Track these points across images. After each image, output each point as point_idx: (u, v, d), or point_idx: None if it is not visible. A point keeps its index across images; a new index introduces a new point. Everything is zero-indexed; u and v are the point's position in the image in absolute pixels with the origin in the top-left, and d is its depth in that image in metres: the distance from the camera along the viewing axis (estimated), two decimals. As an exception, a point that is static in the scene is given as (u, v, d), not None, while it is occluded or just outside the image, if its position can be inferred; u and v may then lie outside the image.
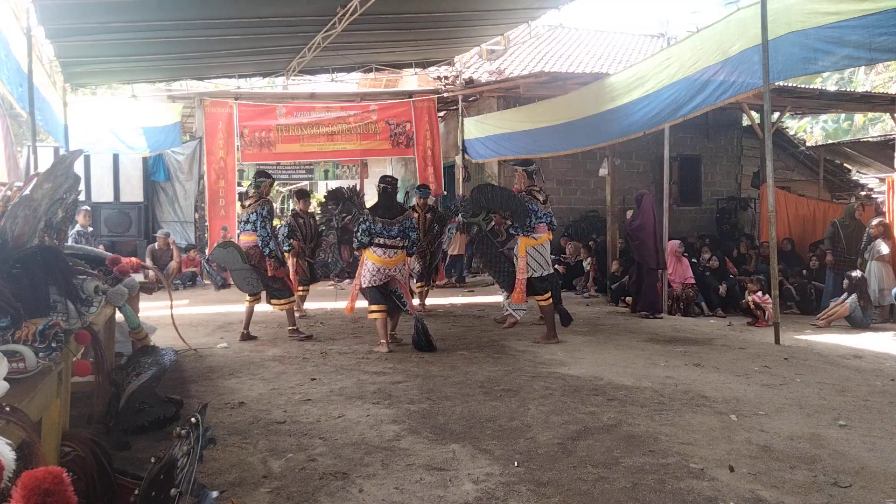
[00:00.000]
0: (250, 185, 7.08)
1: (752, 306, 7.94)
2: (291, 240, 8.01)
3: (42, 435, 2.02)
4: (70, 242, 8.76)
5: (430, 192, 8.89)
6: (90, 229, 10.45)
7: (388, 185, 6.40)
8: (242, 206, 7.07)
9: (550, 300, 6.55)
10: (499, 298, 8.36)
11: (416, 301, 8.54)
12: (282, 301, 6.86)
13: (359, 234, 6.16)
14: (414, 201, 8.47)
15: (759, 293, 7.97)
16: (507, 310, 7.49)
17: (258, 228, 6.58)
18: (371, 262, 6.15)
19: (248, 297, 6.88)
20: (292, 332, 6.90)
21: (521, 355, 5.93)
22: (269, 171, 7.38)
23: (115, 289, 3.42)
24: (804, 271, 9.43)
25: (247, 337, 6.78)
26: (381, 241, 6.12)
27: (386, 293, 6.26)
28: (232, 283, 7.37)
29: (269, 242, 6.54)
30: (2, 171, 8.80)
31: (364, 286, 6.22)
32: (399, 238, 6.16)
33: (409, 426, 3.93)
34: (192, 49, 9.29)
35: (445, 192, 12.83)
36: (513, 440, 3.66)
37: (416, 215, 8.36)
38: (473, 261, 13.18)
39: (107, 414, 3.54)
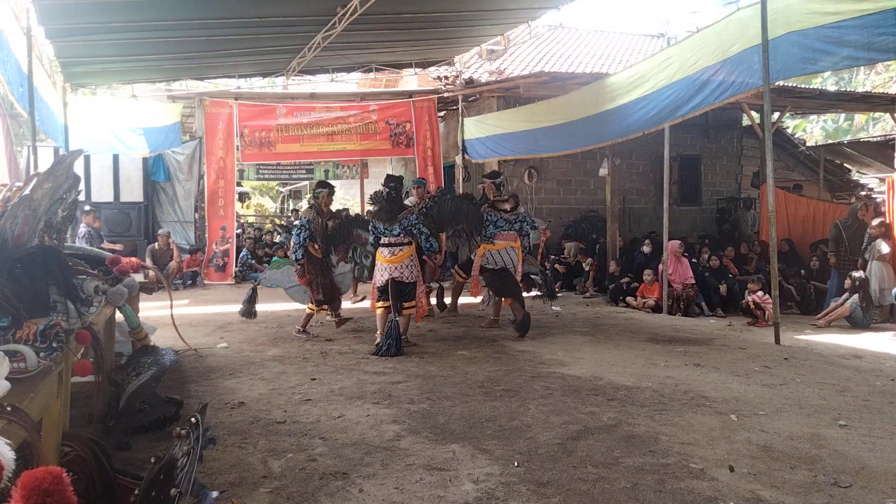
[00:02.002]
0: (310, 196, 7.36)
1: (752, 306, 7.94)
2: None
3: (42, 435, 2.02)
4: (83, 243, 8.83)
5: (426, 184, 8.89)
6: (96, 225, 10.46)
7: (391, 190, 6.43)
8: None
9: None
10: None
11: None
12: (311, 306, 7.03)
13: (371, 238, 6.52)
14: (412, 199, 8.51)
15: (760, 293, 7.97)
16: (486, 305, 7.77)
17: (293, 236, 6.97)
18: (378, 262, 6.45)
19: (310, 306, 7.04)
20: (299, 331, 6.99)
21: (521, 355, 5.93)
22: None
23: (115, 289, 3.43)
24: (802, 271, 9.42)
25: (303, 332, 6.97)
26: (386, 240, 6.33)
27: (395, 292, 6.31)
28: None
29: (297, 250, 6.84)
30: (2, 171, 8.80)
31: (376, 284, 6.45)
32: (402, 235, 6.32)
33: (409, 426, 3.93)
34: (192, 49, 9.29)
35: (443, 185, 12.75)
36: (513, 440, 3.66)
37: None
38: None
39: (107, 414, 3.54)
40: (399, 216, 6.33)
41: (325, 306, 7.01)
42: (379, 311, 6.34)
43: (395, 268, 6.29)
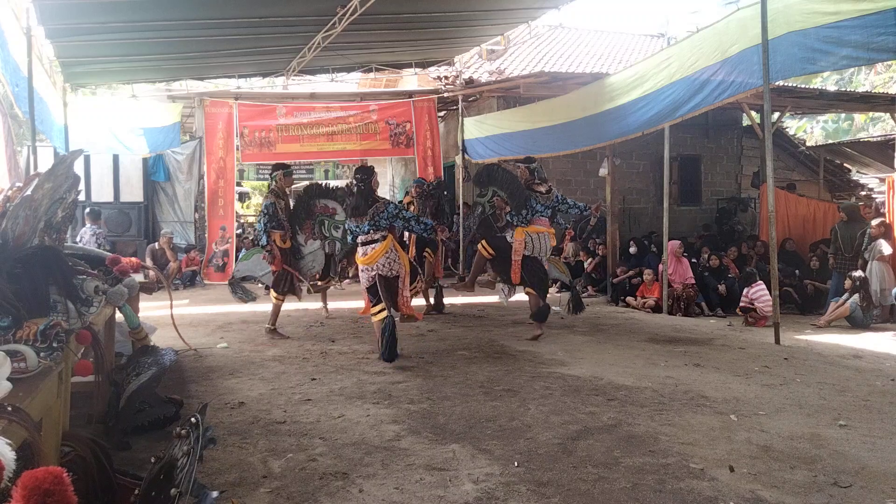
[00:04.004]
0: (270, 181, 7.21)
1: (747, 304, 7.98)
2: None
3: (42, 435, 2.02)
4: (93, 244, 8.84)
5: (424, 183, 8.87)
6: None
7: (359, 183, 5.91)
8: None
9: (535, 294, 6.61)
10: (496, 298, 8.36)
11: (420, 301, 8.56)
12: (275, 294, 6.90)
13: (349, 236, 6.11)
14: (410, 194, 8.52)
15: (753, 290, 7.97)
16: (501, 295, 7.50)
17: (257, 223, 6.80)
18: (358, 264, 6.03)
19: (274, 294, 6.94)
20: (268, 330, 6.87)
21: (521, 355, 5.93)
22: (268, 173, 7.19)
23: (115, 289, 3.43)
24: (797, 272, 9.43)
25: (273, 332, 6.87)
26: (361, 239, 5.90)
27: (386, 288, 5.87)
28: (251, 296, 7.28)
29: (261, 236, 6.72)
30: (2, 172, 8.80)
31: (364, 287, 6.04)
32: (372, 231, 5.82)
33: (409, 426, 3.93)
34: (192, 49, 9.29)
35: (442, 177, 12.70)
36: (513, 440, 3.66)
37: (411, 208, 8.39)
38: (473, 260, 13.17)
39: (107, 414, 3.54)
40: (370, 211, 5.80)
41: (328, 289, 6.86)
42: (377, 318, 5.80)
43: (373, 267, 5.83)
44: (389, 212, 5.85)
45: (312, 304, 8.82)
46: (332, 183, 15.48)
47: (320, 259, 7.25)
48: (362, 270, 5.96)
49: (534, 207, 6.58)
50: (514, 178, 6.71)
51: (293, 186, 8.07)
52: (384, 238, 5.82)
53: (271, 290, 6.98)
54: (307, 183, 7.77)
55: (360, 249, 5.92)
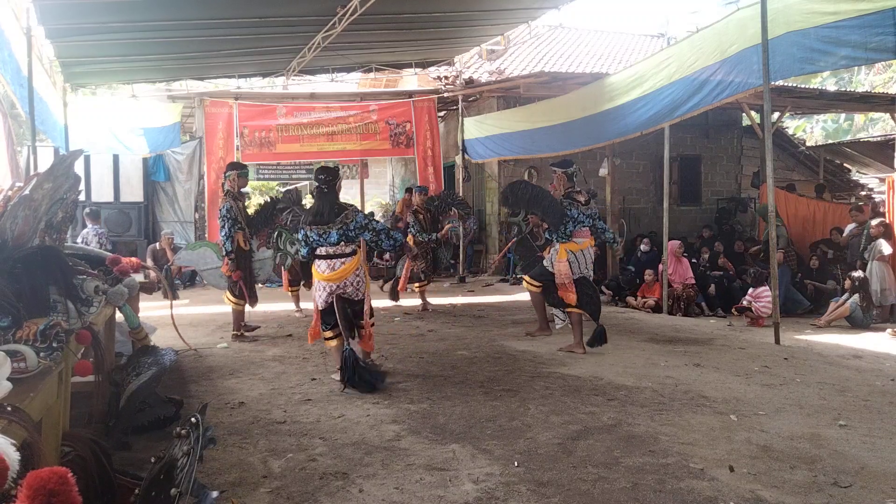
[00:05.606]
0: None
1: (748, 304, 7.99)
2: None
3: (42, 435, 2.02)
4: (94, 244, 8.81)
5: (428, 192, 8.90)
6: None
7: (323, 185, 5.02)
8: None
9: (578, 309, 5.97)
10: (501, 298, 8.40)
11: (418, 300, 8.60)
12: (232, 299, 6.70)
13: (302, 248, 5.12)
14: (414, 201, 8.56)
15: (759, 290, 7.98)
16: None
17: (219, 229, 6.58)
18: (316, 280, 5.04)
19: (231, 299, 6.71)
20: (235, 336, 6.71)
21: (521, 355, 5.92)
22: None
23: (115, 289, 3.43)
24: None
25: (240, 337, 6.73)
26: (323, 251, 4.94)
27: (344, 313, 4.96)
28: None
29: (226, 243, 6.50)
30: (3, 172, 8.81)
31: (318, 307, 5.07)
32: (344, 244, 4.91)
33: (409, 426, 3.93)
34: (192, 49, 9.29)
35: (443, 187, 12.78)
36: (513, 440, 3.66)
37: (417, 217, 8.43)
38: (473, 260, 13.20)
39: (107, 414, 3.54)
40: (337, 219, 4.89)
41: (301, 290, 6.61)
42: (332, 345, 5.07)
43: (338, 285, 4.93)
44: (358, 222, 4.93)
45: (310, 305, 8.81)
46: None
47: (267, 268, 7.11)
48: (321, 288, 4.99)
49: (574, 217, 5.86)
50: (543, 193, 5.96)
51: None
52: (354, 253, 4.94)
53: (226, 294, 6.78)
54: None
55: (322, 263, 4.94)
